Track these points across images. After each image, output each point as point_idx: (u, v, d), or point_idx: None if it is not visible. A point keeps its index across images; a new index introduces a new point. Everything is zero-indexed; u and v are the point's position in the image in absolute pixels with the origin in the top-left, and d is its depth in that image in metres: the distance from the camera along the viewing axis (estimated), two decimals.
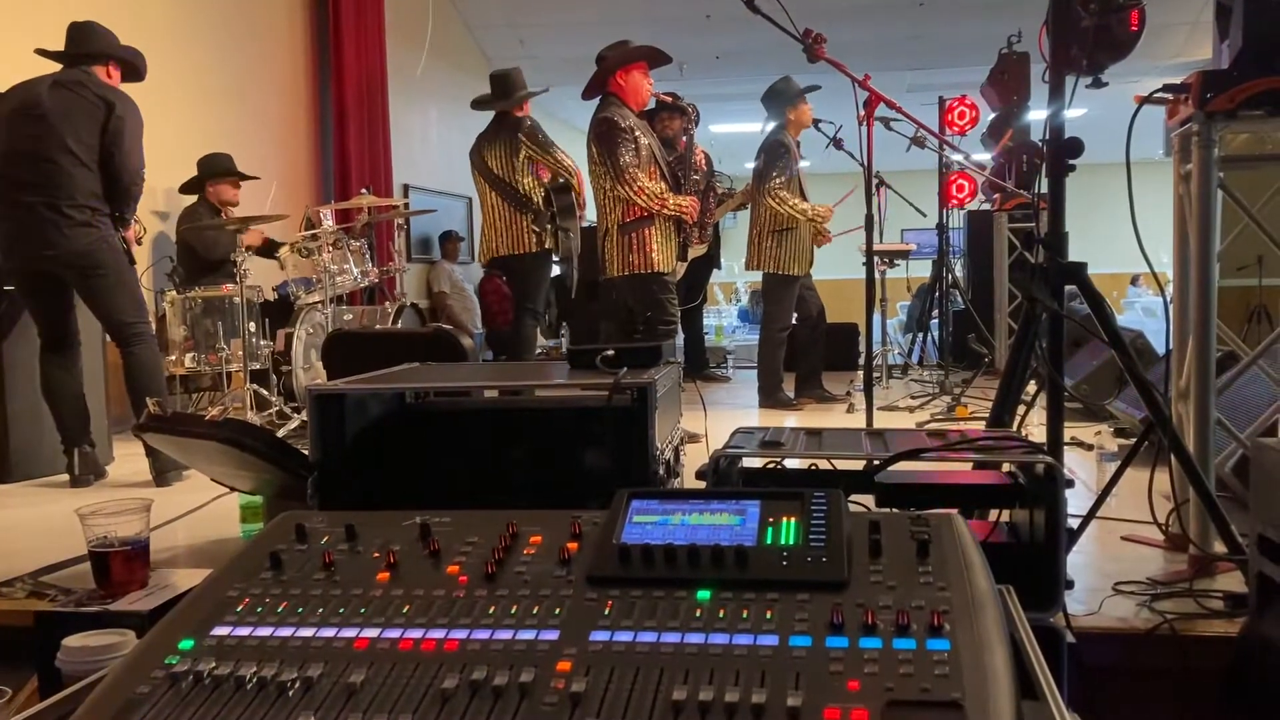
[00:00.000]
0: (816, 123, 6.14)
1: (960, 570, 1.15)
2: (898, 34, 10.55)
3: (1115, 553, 2.74)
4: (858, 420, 4.89)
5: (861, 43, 10.05)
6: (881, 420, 4.71)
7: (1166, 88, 2.56)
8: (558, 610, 1.13)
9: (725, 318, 14.47)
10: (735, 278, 16.23)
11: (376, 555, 1.27)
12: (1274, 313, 7.89)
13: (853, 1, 9.29)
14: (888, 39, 10.62)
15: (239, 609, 1.19)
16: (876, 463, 1.80)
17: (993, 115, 7.71)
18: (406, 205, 8.21)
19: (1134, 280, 16.90)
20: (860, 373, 5.86)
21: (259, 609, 1.18)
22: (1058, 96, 2.48)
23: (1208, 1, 7.46)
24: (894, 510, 1.91)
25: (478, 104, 6.05)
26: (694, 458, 2.48)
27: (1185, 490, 2.54)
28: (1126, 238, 2.49)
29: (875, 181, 4.49)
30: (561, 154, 5.78)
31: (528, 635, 1.09)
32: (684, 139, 5.98)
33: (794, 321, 6.23)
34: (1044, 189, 2.60)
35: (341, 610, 1.17)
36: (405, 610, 1.16)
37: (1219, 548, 2.53)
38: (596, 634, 1.08)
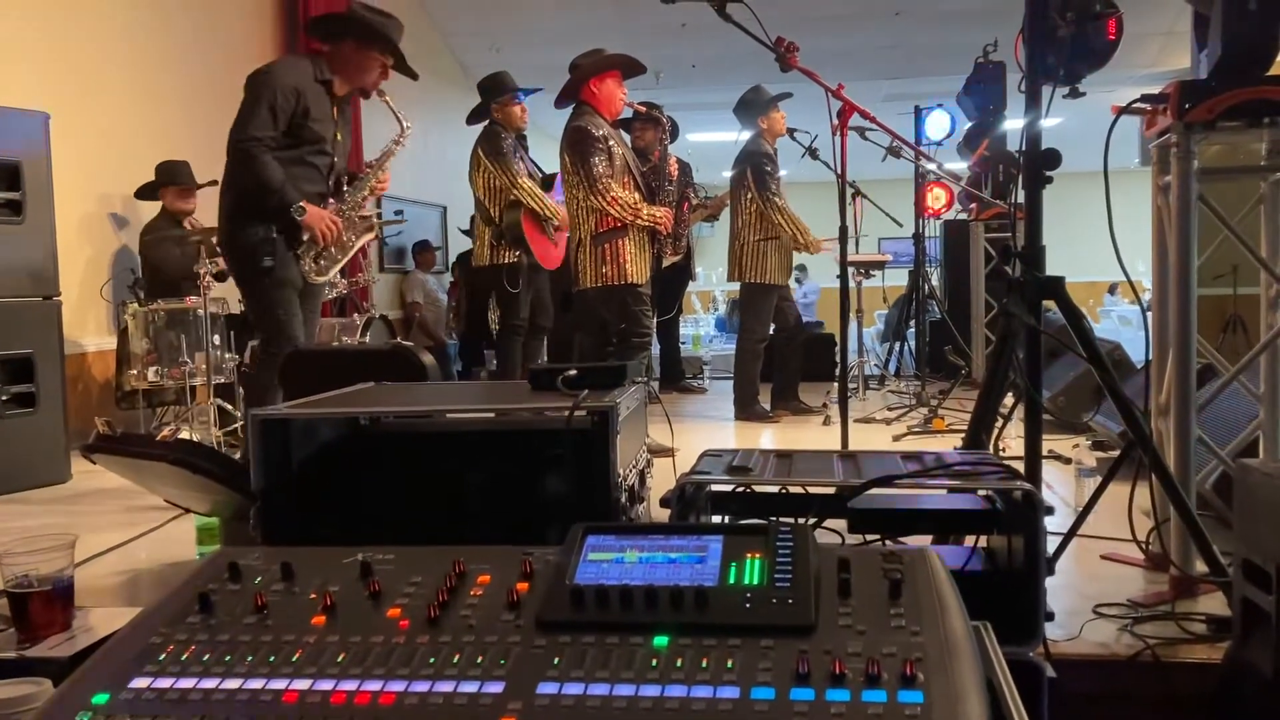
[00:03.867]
0: (791, 132, 6.09)
1: (935, 612, 1.08)
2: (874, 43, 10.53)
3: (1094, 572, 2.68)
4: (834, 433, 4.82)
5: (838, 52, 10.02)
6: (857, 433, 4.65)
7: (1144, 98, 2.51)
8: (503, 659, 1.05)
9: (703, 327, 14.41)
10: (713, 286, 16.19)
11: (313, 596, 1.19)
12: (1249, 322, 7.88)
13: (829, 11, 9.26)
14: (864, 48, 10.59)
15: (162, 657, 1.10)
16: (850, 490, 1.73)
17: (969, 125, 7.68)
18: (379, 215, 8.11)
19: (1111, 289, 16.97)
20: (836, 384, 5.81)
21: (183, 657, 1.10)
22: (1034, 106, 2.42)
23: (1182, 11, 7.46)
24: (866, 539, 1.84)
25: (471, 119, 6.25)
26: (661, 478, 2.41)
27: (1166, 509, 2.48)
28: (1101, 246, 2.44)
29: (851, 192, 4.43)
30: (521, 174, 5.77)
31: (470, 688, 1.01)
32: (658, 149, 5.91)
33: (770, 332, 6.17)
34: (1020, 198, 2.55)
35: (272, 658, 1.09)
36: (340, 659, 1.08)
37: (1200, 567, 2.47)
38: (544, 686, 1.01)
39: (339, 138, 4.07)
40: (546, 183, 6.03)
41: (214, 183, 6.06)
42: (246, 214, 3.86)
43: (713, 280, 15.08)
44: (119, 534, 3.24)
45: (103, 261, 5.76)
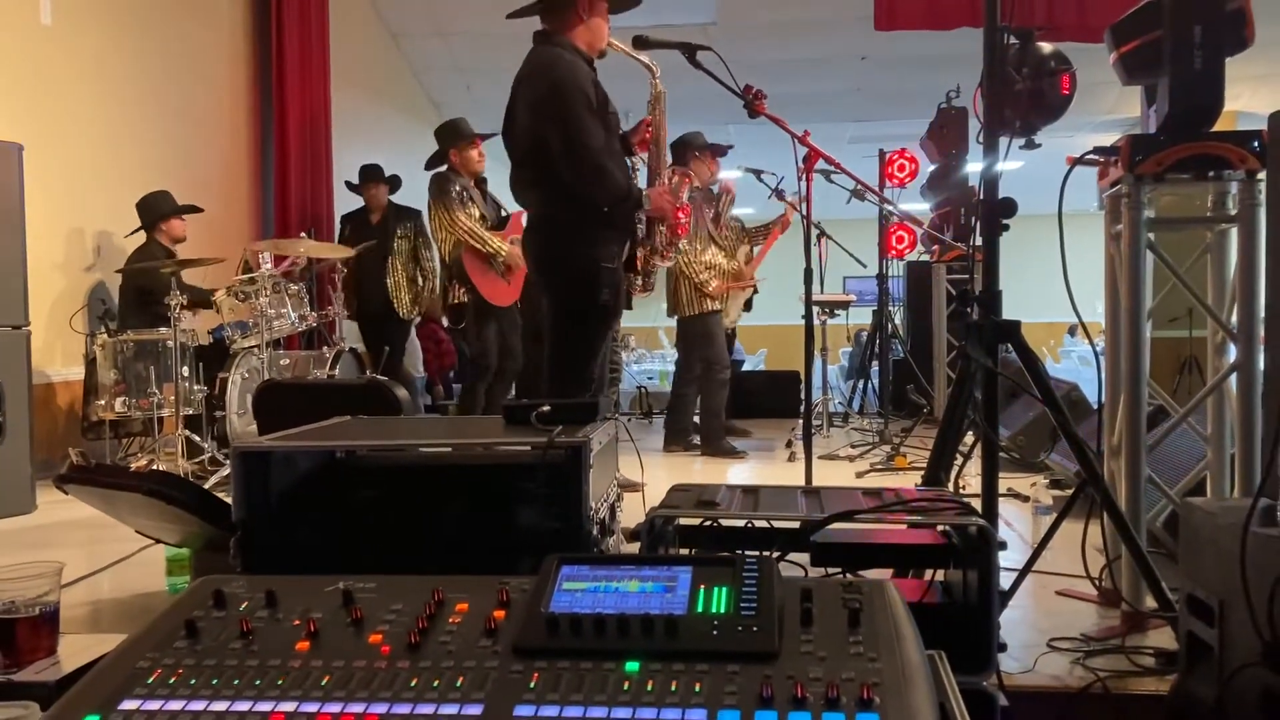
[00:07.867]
0: (759, 174, 6.20)
1: (891, 640, 1.14)
2: (840, 87, 10.72)
3: (1050, 608, 2.76)
4: (798, 469, 4.89)
5: (804, 95, 10.19)
6: (821, 470, 4.72)
7: (1097, 150, 2.62)
8: (482, 683, 1.10)
9: (670, 362, 14.43)
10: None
11: (297, 623, 1.23)
12: (1204, 364, 8.02)
13: (795, 54, 9.44)
14: (830, 92, 10.78)
15: (150, 680, 1.14)
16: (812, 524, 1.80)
17: (932, 167, 7.84)
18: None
19: (1071, 330, 17.20)
20: (801, 421, 5.89)
21: (171, 680, 1.14)
22: (992, 157, 2.52)
23: None
24: (828, 573, 1.90)
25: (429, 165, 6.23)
26: (630, 513, 2.46)
27: (1117, 546, 2.56)
28: (1061, 288, 2.53)
29: (815, 233, 4.53)
30: (463, 216, 5.77)
31: (450, 710, 1.06)
32: None
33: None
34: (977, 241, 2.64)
35: (258, 682, 1.13)
36: (325, 682, 1.12)
37: (1150, 602, 2.55)
38: (521, 708, 1.06)
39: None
40: (501, 222, 6.01)
41: (197, 209, 6.07)
42: (587, 239, 3.47)
43: None
44: (86, 565, 3.24)
45: (72, 291, 5.75)
